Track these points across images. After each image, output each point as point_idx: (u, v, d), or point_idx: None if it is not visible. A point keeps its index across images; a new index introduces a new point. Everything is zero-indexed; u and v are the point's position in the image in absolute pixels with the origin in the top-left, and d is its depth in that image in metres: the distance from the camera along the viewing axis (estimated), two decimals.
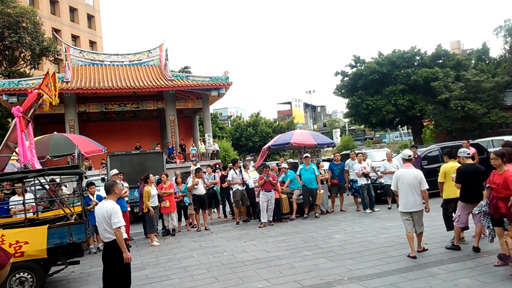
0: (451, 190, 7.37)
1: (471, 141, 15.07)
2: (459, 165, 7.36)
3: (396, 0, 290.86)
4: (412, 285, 5.47)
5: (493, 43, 53.24)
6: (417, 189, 6.89)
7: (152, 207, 10.27)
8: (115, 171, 11.04)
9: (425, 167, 13.07)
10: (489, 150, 14.44)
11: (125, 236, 5.29)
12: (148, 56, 28.61)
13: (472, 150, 10.60)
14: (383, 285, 5.57)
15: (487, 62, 40.11)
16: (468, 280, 5.42)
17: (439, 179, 7.67)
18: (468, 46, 70.86)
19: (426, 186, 6.94)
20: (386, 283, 5.61)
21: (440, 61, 36.28)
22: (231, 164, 13.64)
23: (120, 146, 24.47)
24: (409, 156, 7.27)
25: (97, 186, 10.99)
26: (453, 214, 7.42)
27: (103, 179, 14.87)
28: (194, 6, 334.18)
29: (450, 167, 7.56)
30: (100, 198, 9.13)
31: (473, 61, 38.97)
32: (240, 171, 12.24)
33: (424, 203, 6.98)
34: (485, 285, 5.19)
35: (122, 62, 28.07)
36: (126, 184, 10.80)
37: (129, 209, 10.73)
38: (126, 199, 10.46)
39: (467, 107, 29.18)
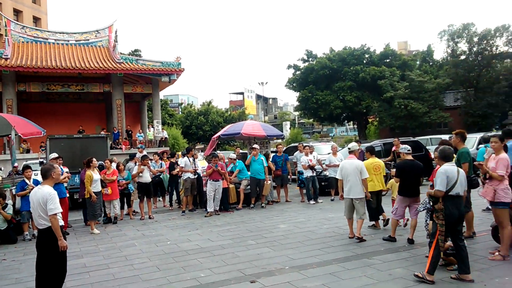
0: (371, 184, 7.97)
1: (411, 138, 15.81)
2: (380, 161, 8.20)
3: None
4: (349, 274, 5.66)
5: (437, 46, 56.07)
6: (358, 178, 7.52)
7: (94, 192, 9.87)
8: (54, 155, 10.49)
9: None
10: (427, 147, 15.25)
11: (61, 223, 5.04)
12: (96, 36, 27.37)
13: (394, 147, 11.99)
14: (323, 273, 5.72)
15: (430, 63, 42.28)
16: (401, 270, 5.69)
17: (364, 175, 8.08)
18: (415, 48, 74.15)
19: (366, 175, 7.57)
20: (325, 272, 5.77)
21: (388, 60, 37.77)
22: (179, 152, 13.44)
23: (62, 129, 23.32)
24: (349, 148, 8.07)
25: (35, 170, 10.42)
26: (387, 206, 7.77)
27: (41, 163, 14.13)
28: None
29: (370, 163, 8.20)
30: (37, 183, 8.65)
31: (418, 62, 40.93)
32: (194, 160, 12.08)
33: (365, 191, 7.56)
34: None
35: (68, 41, 26.66)
36: (66, 169, 10.30)
37: (68, 195, 10.25)
38: (66, 184, 9.98)
39: (410, 106, 30.63)
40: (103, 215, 10.95)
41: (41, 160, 16.49)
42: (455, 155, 6.84)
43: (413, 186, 7.07)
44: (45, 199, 4.90)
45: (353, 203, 7.59)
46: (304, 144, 14.41)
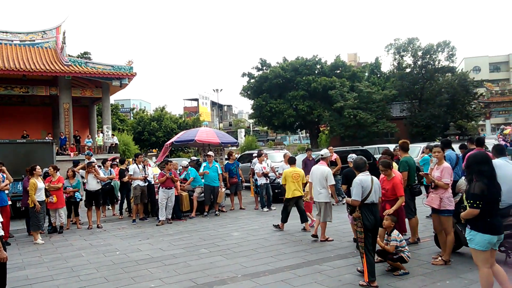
0: (289, 191, 9.04)
1: (360, 147, 16.37)
2: (300, 170, 9.47)
3: (304, 8, 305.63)
4: (301, 281, 5.75)
5: (384, 58, 58.64)
6: (325, 183, 7.95)
7: (38, 201, 9.38)
8: None
9: None
10: (375, 156, 15.85)
11: (1, 233, 4.76)
12: (42, 37, 26.20)
13: (334, 156, 12.68)
14: (275, 281, 5.78)
15: (378, 75, 44.13)
16: (350, 276, 5.86)
17: (282, 182, 9.41)
18: (364, 60, 77.21)
19: (332, 182, 8.01)
20: (277, 279, 5.83)
21: (338, 71, 38.95)
22: (130, 159, 13.10)
23: (4, 133, 22.10)
24: (322, 155, 8.73)
25: None
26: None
27: None
28: None
29: (290, 171, 9.18)
30: None
31: (366, 74, 42.58)
32: (144, 167, 11.80)
33: (332, 196, 8.15)
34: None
35: (12, 41, 25.31)
36: (6, 175, 9.72)
37: (10, 203, 9.68)
38: (7, 192, 9.42)
39: (359, 116, 31.75)
40: (48, 224, 10.45)
41: None
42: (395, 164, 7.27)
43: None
44: None
45: (320, 207, 8.03)
46: (258, 152, 14.51)
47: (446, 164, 6.35)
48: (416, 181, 7.44)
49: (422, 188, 7.64)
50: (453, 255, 6.28)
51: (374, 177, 5.75)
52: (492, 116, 38.57)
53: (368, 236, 5.46)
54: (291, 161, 9.66)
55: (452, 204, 6.10)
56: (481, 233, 4.29)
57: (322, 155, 8.73)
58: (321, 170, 8.12)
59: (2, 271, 4.82)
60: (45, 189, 9.76)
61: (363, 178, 5.60)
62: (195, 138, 14.10)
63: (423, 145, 17.55)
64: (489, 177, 4.31)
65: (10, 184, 9.64)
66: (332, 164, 12.19)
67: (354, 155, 8.92)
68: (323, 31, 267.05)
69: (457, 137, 27.85)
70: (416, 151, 16.53)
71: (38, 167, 9.66)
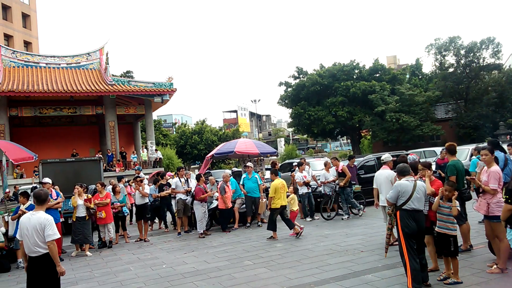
0: (276, 202, 9.61)
1: (404, 152, 15.90)
2: (283, 181, 9.95)
3: (338, 14, 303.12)
4: None
5: (425, 59, 56.88)
6: (390, 187, 7.53)
7: (79, 217, 9.87)
8: (47, 179, 10.40)
9: (362, 176, 13.58)
10: (420, 160, 15.31)
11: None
12: (87, 59, 27.48)
13: (341, 166, 11.96)
14: None
15: (420, 77, 42.85)
16: (399, 287, 5.65)
17: (270, 194, 9.74)
18: (403, 62, 75.18)
19: None
20: None
21: (377, 75, 38.21)
22: (169, 173, 13.35)
23: (55, 153, 23.26)
24: (382, 160, 8.82)
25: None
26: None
27: (34, 188, 13.98)
28: (140, 9, 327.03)
29: (278, 183, 9.73)
30: (31, 208, 8.55)
31: (407, 76, 41.45)
32: (186, 180, 12.02)
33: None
34: None
35: (59, 64, 26.73)
36: (60, 194, 10.21)
37: (62, 220, 10.14)
38: (59, 209, 9.87)
39: (401, 119, 30.88)
40: (98, 239, 10.83)
41: (35, 185, 16.35)
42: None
43: None
44: (43, 225, 4.83)
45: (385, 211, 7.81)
46: (299, 162, 14.39)
47: (494, 168, 6.01)
48: (466, 186, 7.10)
49: (473, 193, 7.27)
50: (510, 263, 5.91)
51: (422, 184, 5.60)
52: None
53: (411, 242, 5.37)
54: (275, 172, 10.50)
55: (501, 209, 5.77)
56: None
57: (383, 160, 8.84)
58: (386, 174, 8.21)
59: (57, 286, 5.01)
60: (88, 206, 10.11)
61: (403, 182, 5.53)
62: (235, 149, 14.22)
63: (471, 147, 16.81)
64: None
65: (62, 202, 10.10)
66: (340, 175, 11.83)
67: (387, 154, 8.91)
68: (360, 35, 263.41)
69: (508, 136, 26.43)
70: (464, 153, 15.85)
71: (77, 186, 10.13)
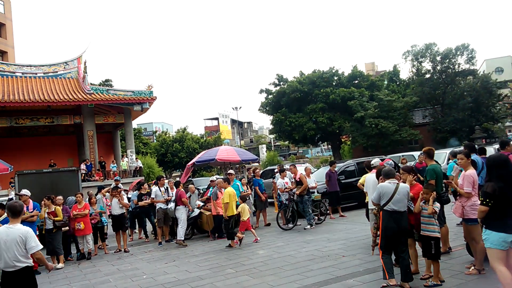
0: (231, 209, 10.01)
1: (383, 157, 16.08)
2: (233, 189, 10.39)
3: (318, 22, 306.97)
4: None
5: (402, 66, 57.27)
6: None
7: (47, 229, 9.72)
8: (24, 191, 10.12)
9: (342, 181, 13.71)
10: (399, 165, 15.52)
11: (31, 263, 4.84)
12: (65, 68, 27.05)
13: (299, 175, 11.57)
14: None
15: (397, 83, 43.62)
16: None
17: (225, 200, 10.01)
18: (382, 68, 76.37)
19: None
20: None
21: (356, 82, 38.73)
22: (146, 183, 13.23)
23: (33, 163, 22.75)
24: (372, 164, 8.44)
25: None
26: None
27: (10, 200, 13.61)
28: (118, 17, 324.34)
29: (232, 190, 10.30)
30: (5, 222, 8.31)
31: (385, 82, 42.15)
32: (167, 189, 11.89)
33: None
34: None
35: (36, 74, 26.23)
36: (40, 206, 9.94)
37: (37, 232, 9.87)
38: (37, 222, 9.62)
39: (380, 125, 31.32)
40: (76, 251, 10.60)
41: (11, 197, 15.93)
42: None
43: None
44: (24, 237, 4.69)
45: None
46: (280, 168, 14.42)
47: (469, 171, 6.12)
48: (444, 189, 7.22)
49: (451, 197, 7.41)
50: (487, 264, 6.02)
51: (404, 186, 5.78)
52: None
53: (389, 240, 5.68)
54: (228, 180, 10.89)
55: (476, 212, 5.88)
56: (495, 232, 4.46)
57: (372, 164, 8.65)
58: (374, 178, 8.03)
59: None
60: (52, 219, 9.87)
61: (385, 184, 5.77)
62: (216, 157, 14.18)
63: (448, 150, 17.15)
64: (506, 181, 4.51)
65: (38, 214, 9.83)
66: (298, 183, 11.54)
67: (377, 159, 8.92)
68: (339, 43, 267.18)
69: (483, 140, 27.07)
70: (442, 157, 16.14)
71: (45, 198, 9.97)
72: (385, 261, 5.69)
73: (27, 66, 26.42)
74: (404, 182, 6.20)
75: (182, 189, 11.48)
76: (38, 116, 23.72)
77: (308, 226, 11.24)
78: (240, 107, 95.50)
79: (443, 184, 7.19)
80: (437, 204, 5.74)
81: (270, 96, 40.82)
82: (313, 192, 12.33)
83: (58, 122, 24.30)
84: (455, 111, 30.81)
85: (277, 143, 79.32)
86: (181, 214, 11.04)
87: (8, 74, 25.31)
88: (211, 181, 12.98)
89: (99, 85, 36.01)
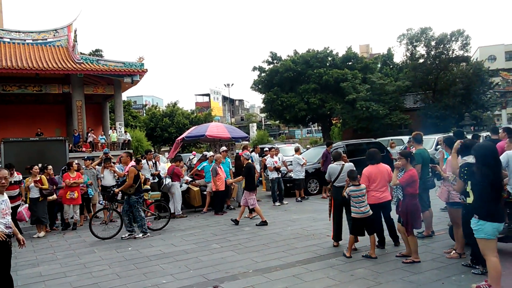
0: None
1: (372, 140, 16.14)
2: None
3: (315, 0, 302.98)
4: (312, 276, 5.69)
5: (397, 49, 57.17)
6: None
7: (32, 198, 9.65)
8: None
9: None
10: (388, 149, 15.63)
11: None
12: (54, 35, 26.37)
13: (126, 168, 9.69)
14: (286, 276, 5.73)
15: (391, 66, 43.49)
16: (363, 270, 5.78)
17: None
18: (376, 51, 76.10)
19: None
20: (288, 274, 5.77)
21: (350, 63, 38.50)
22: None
23: (20, 132, 22.43)
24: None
25: None
26: None
27: None
28: None
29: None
30: None
31: (379, 65, 41.98)
32: (155, 163, 11.84)
33: None
34: (378, 274, 5.58)
35: (25, 40, 25.54)
36: (19, 176, 9.85)
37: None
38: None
39: (371, 108, 31.36)
40: (60, 220, 10.57)
41: None
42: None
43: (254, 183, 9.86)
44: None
45: None
46: (269, 146, 14.45)
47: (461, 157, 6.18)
48: (430, 174, 7.30)
49: (437, 181, 7.48)
50: (467, 248, 6.14)
51: (349, 165, 7.11)
52: (508, 105, 37.79)
53: (336, 208, 7.04)
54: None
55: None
56: (490, 222, 4.44)
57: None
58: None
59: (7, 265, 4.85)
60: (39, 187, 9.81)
61: (333, 166, 7.23)
62: (206, 133, 14.12)
63: (437, 136, 17.28)
64: (493, 169, 4.50)
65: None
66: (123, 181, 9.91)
67: (249, 153, 10.90)
68: (335, 22, 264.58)
69: (472, 127, 27.32)
70: (430, 142, 16.28)
71: (35, 166, 9.88)
72: (336, 227, 7.06)
73: (16, 32, 25.68)
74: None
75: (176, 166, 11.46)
76: (26, 84, 23.21)
77: (141, 235, 8.82)
78: (232, 84, 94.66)
79: (429, 169, 7.26)
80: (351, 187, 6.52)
81: (263, 74, 40.48)
82: (281, 171, 12.43)
83: (46, 91, 23.83)
84: (446, 97, 30.92)
85: (267, 122, 79.18)
86: (176, 190, 11.17)
87: None
88: (205, 156, 12.92)
89: (89, 54, 35.26)
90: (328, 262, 6.25)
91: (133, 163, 9.51)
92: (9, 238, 4.79)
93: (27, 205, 9.57)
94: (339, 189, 6.94)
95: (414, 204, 5.97)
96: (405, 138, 18.12)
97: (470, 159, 5.28)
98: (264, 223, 9.28)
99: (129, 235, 8.86)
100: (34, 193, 9.66)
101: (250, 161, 10.50)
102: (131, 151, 22.55)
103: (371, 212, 6.38)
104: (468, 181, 4.84)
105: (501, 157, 5.15)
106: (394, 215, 6.56)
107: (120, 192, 9.13)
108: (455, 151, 5.59)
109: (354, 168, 6.96)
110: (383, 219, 6.73)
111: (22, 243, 5.11)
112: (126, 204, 8.98)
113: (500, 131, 7.42)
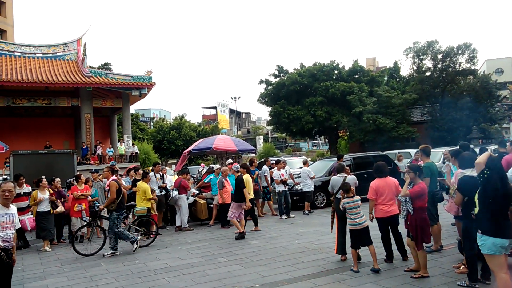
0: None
1: (379, 153, 16.07)
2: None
3: (321, 14, 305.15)
4: None
5: (403, 62, 57.15)
6: None
7: (43, 212, 9.65)
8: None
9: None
10: (395, 162, 15.55)
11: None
12: (64, 49, 26.81)
13: (107, 182, 9.62)
14: None
15: (397, 79, 43.49)
16: (371, 285, 5.72)
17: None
18: (382, 64, 76.14)
19: None
20: None
21: (356, 76, 38.56)
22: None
23: (28, 144, 22.66)
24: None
25: None
26: None
27: (4, 180, 13.57)
28: (120, 2, 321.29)
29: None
30: None
31: (385, 78, 41.99)
32: (162, 176, 11.88)
33: None
34: None
35: (35, 54, 26.00)
36: (29, 188, 9.93)
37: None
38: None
39: (378, 120, 31.28)
40: (68, 233, 10.59)
41: (5, 177, 15.90)
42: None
43: (242, 195, 9.73)
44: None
45: None
46: (276, 159, 14.44)
47: (460, 169, 6.14)
48: (438, 187, 7.25)
49: (446, 195, 7.41)
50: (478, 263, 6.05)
51: (351, 178, 7.23)
52: None
53: (343, 221, 6.97)
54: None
55: None
56: (493, 237, 4.28)
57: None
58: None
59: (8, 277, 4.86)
60: (52, 200, 9.87)
61: (335, 178, 7.35)
62: (213, 146, 14.17)
63: (444, 149, 17.15)
64: (497, 184, 4.37)
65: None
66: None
67: (238, 166, 10.62)
68: (341, 36, 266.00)
69: (480, 141, 27.10)
70: (438, 156, 16.17)
71: (44, 178, 9.90)
72: (339, 239, 7.08)
73: (26, 46, 26.16)
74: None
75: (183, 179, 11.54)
76: (35, 97, 23.55)
77: (109, 253, 8.56)
78: (239, 97, 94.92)
79: (438, 182, 7.21)
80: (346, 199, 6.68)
81: (269, 87, 40.65)
82: (287, 184, 12.38)
83: (55, 104, 24.14)
84: (453, 110, 30.77)
85: (274, 135, 79.21)
86: (183, 202, 11.24)
87: (6, 53, 25.07)
88: (212, 168, 12.94)
89: (98, 68, 35.69)
90: (335, 276, 6.20)
91: (114, 177, 9.18)
92: (4, 252, 4.65)
93: (32, 216, 9.63)
94: (340, 200, 7.04)
95: (423, 218, 5.92)
96: (413, 151, 18.01)
97: (469, 171, 5.25)
98: (241, 234, 9.43)
99: (111, 253, 8.63)
100: (45, 207, 9.70)
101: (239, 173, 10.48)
102: (138, 163, 22.73)
103: (367, 223, 6.48)
104: (469, 195, 4.79)
105: (509, 171, 5.11)
106: (402, 228, 6.51)
107: (104, 208, 9.09)
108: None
109: (357, 181, 7.44)
110: (390, 233, 6.67)
111: (13, 262, 4.89)
112: (110, 221, 8.73)
113: (507, 144, 7.38)
